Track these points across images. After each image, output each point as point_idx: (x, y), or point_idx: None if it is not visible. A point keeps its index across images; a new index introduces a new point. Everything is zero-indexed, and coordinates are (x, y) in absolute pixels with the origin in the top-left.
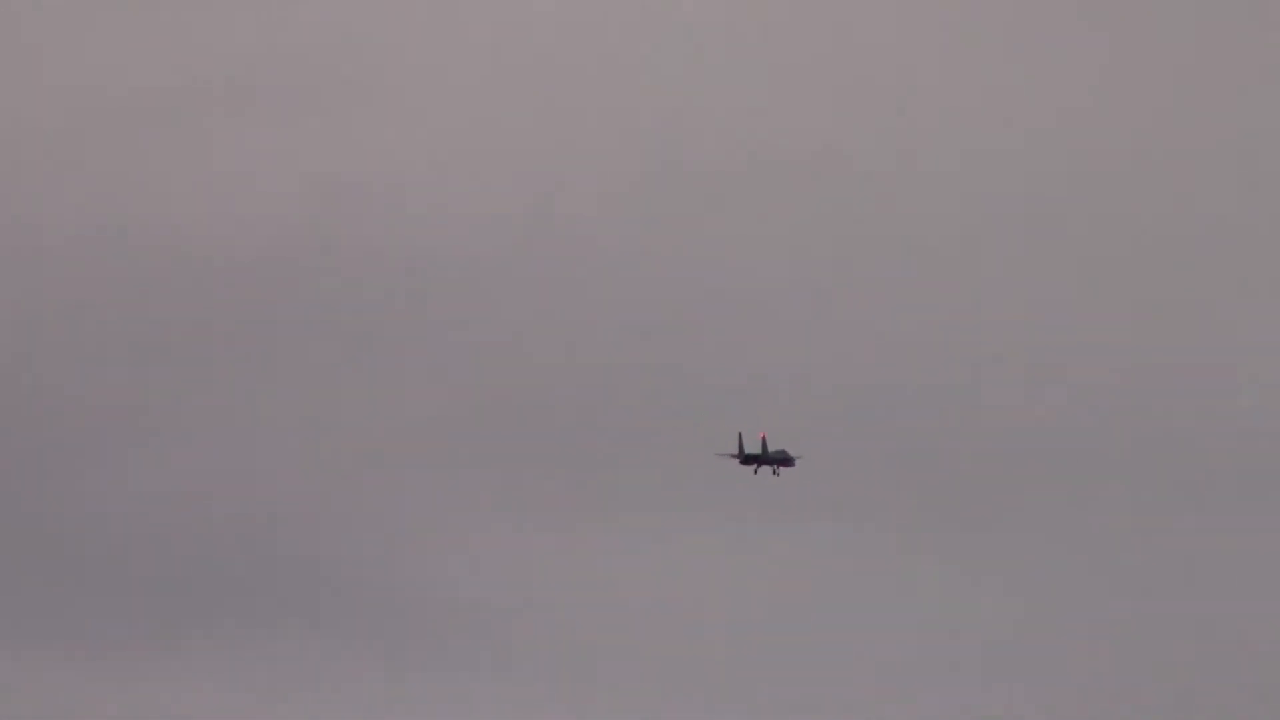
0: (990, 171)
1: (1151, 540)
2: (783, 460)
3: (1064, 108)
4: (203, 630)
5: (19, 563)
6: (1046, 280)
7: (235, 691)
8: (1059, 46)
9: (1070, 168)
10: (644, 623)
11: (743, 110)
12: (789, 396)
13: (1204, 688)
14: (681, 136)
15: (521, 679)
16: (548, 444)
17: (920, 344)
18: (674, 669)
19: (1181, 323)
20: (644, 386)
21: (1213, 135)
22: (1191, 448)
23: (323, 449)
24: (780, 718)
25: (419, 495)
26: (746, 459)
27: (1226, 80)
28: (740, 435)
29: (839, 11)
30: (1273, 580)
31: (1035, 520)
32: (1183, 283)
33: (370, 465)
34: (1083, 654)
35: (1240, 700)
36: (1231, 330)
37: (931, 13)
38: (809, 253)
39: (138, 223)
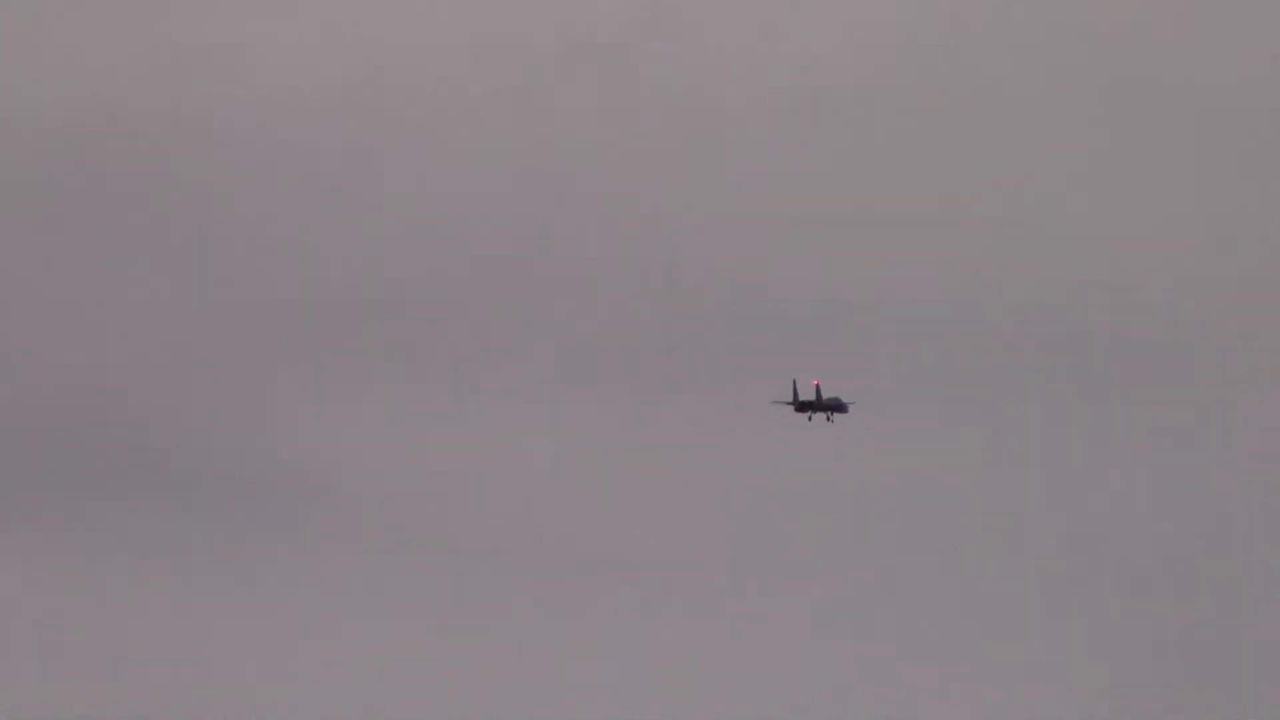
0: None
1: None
2: (836, 407)
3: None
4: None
5: None
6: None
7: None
8: None
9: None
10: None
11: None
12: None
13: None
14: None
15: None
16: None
17: (977, 284)
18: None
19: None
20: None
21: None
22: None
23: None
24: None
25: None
26: (801, 406)
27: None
28: (795, 383)
29: None
30: None
31: (1098, 461)
32: None
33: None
34: (1158, 612)
35: None
36: None
37: None
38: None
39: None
